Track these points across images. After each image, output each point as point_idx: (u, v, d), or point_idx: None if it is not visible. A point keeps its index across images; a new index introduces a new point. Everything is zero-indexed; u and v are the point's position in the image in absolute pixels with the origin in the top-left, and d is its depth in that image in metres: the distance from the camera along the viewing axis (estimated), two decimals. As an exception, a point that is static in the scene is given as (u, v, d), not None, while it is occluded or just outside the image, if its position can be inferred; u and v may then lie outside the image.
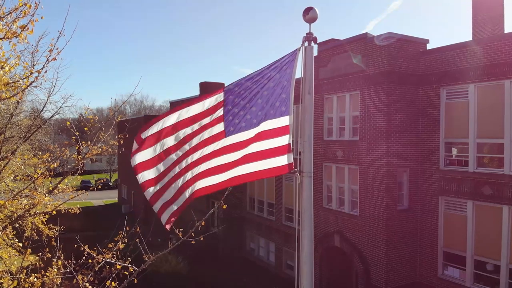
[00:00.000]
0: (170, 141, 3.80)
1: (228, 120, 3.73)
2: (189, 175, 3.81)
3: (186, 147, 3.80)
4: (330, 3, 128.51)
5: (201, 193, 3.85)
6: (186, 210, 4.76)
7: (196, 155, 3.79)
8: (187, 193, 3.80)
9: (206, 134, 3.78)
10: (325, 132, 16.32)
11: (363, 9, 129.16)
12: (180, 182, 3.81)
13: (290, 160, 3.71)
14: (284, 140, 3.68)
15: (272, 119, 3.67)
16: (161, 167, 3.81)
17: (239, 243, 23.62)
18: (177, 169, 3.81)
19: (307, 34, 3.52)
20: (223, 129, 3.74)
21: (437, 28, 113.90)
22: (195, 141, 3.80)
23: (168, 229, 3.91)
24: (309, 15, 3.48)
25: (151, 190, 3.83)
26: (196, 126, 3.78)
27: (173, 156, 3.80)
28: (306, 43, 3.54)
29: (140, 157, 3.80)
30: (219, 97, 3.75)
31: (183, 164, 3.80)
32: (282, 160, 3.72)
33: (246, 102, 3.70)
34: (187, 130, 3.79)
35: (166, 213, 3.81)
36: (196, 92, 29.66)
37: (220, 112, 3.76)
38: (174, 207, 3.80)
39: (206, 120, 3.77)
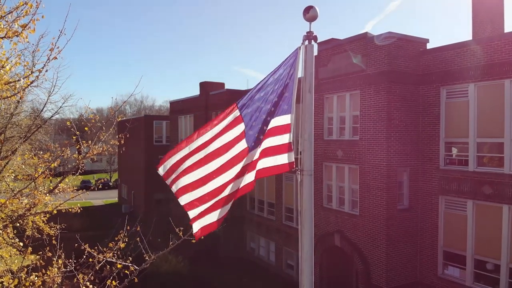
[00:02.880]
0: (194, 159, 3.70)
1: (249, 135, 3.68)
2: (226, 192, 3.73)
3: (213, 166, 3.69)
4: (329, 3, 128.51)
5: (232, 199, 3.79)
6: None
7: (226, 177, 3.70)
8: (224, 209, 3.75)
9: (229, 155, 3.68)
10: (325, 131, 16.32)
11: (361, 10, 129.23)
12: (216, 198, 3.74)
13: (291, 158, 3.71)
14: (284, 138, 3.69)
15: (274, 118, 3.68)
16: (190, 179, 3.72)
17: (239, 243, 23.62)
18: (210, 187, 3.72)
19: (307, 33, 3.52)
20: (246, 146, 3.68)
21: (437, 28, 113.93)
22: (219, 161, 3.69)
23: (196, 239, 3.92)
24: (310, 14, 3.49)
25: (186, 197, 3.73)
26: (217, 144, 3.67)
27: (200, 172, 3.69)
28: (306, 42, 3.55)
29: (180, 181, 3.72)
30: (236, 113, 3.68)
31: (215, 184, 3.71)
32: (283, 159, 3.73)
33: (259, 112, 3.68)
34: (209, 149, 3.68)
35: (199, 222, 3.73)
36: (196, 92, 29.65)
37: (240, 128, 3.68)
38: (210, 219, 3.74)
39: (227, 138, 3.68)
